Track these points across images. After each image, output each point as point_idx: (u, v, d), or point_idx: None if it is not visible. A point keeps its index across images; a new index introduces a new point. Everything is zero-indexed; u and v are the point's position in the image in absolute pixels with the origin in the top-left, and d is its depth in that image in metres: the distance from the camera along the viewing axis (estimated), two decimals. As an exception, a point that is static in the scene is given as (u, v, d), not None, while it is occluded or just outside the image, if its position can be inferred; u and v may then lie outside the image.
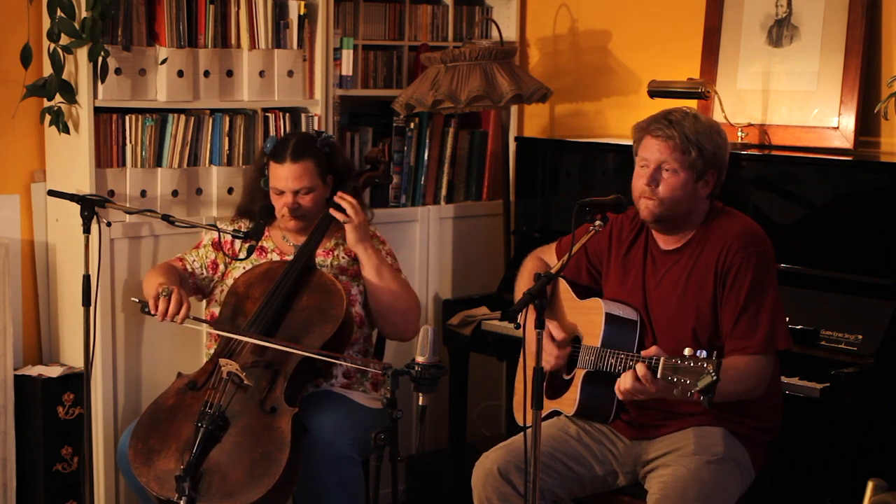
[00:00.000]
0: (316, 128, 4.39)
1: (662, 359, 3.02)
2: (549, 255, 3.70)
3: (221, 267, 3.97)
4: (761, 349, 3.22)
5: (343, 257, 3.93)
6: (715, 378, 2.87)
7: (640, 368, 3.05)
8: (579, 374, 3.39)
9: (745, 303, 3.24)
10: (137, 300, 3.74)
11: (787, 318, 3.60)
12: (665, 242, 3.40)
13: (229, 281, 3.90)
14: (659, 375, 3.01)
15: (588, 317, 3.41)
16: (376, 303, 3.88)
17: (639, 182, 3.32)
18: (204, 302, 4.02)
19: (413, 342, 3.76)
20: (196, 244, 4.03)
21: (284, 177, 3.88)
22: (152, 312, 3.66)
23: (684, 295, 3.32)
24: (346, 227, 3.86)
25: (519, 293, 3.64)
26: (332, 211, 3.87)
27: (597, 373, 3.33)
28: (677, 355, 2.99)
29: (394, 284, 3.87)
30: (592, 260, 3.56)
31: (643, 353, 3.10)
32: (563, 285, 3.54)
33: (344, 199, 3.87)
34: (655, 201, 3.29)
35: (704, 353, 2.93)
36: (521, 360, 3.61)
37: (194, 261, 3.97)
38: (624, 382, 3.10)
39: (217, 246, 3.96)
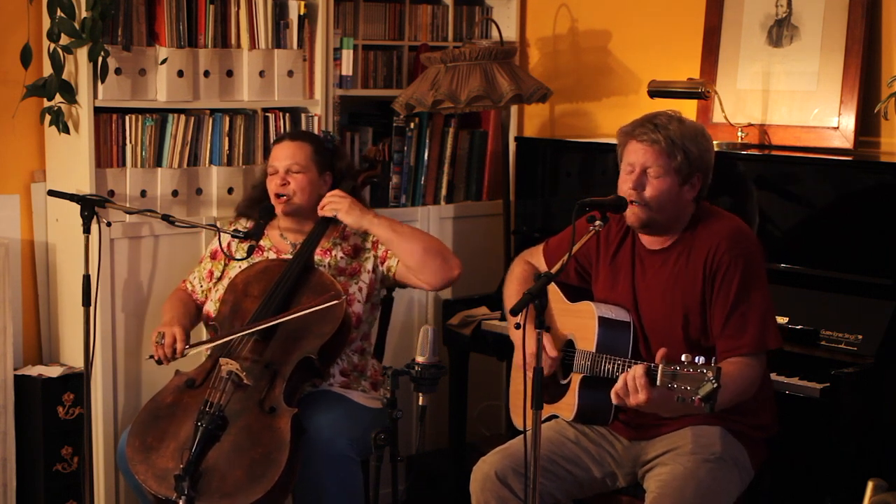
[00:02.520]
0: (316, 127, 4.40)
1: (661, 366, 3.01)
2: (536, 258, 3.69)
3: (216, 273, 3.98)
4: (752, 349, 3.22)
5: (341, 257, 3.93)
6: (716, 385, 2.86)
7: (638, 370, 3.04)
8: (576, 378, 3.38)
9: (735, 303, 3.23)
10: (149, 356, 3.79)
11: (787, 319, 3.61)
12: (651, 243, 3.40)
13: (227, 280, 3.90)
14: (658, 383, 3.00)
15: (580, 320, 3.41)
16: (411, 257, 3.83)
17: (624, 186, 3.31)
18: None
19: (413, 342, 3.77)
20: (200, 259, 4.05)
21: (279, 155, 3.93)
22: (156, 360, 3.75)
23: (673, 296, 3.32)
24: (340, 217, 3.87)
25: (508, 298, 3.64)
26: (321, 212, 3.89)
27: (594, 377, 3.33)
28: (675, 362, 2.98)
29: (416, 232, 3.89)
30: (581, 261, 3.55)
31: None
32: (553, 288, 3.53)
33: (322, 203, 3.90)
34: (642, 206, 3.29)
35: (702, 360, 2.93)
36: (515, 362, 3.60)
37: (195, 277, 4.00)
38: (617, 386, 3.09)
39: (214, 255, 3.98)
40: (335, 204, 3.88)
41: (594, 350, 3.33)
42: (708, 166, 3.34)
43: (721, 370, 2.89)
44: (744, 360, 3.21)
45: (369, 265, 3.92)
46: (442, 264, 3.84)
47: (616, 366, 3.25)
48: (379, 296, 3.98)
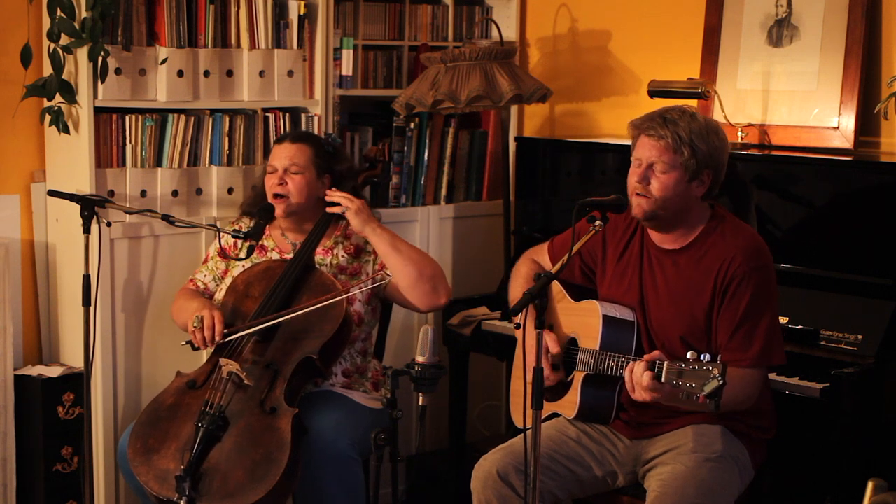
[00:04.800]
0: (316, 128, 4.40)
1: (666, 363, 3.01)
2: (541, 256, 3.69)
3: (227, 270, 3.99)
4: (755, 363, 3.22)
5: (342, 256, 3.93)
6: (721, 382, 2.86)
7: (646, 379, 3.03)
8: (578, 376, 3.38)
9: (743, 318, 3.23)
10: (185, 342, 3.73)
11: (788, 319, 3.61)
12: (662, 241, 3.39)
13: (229, 279, 3.91)
14: (663, 380, 3.00)
15: (584, 319, 3.41)
16: (403, 277, 3.83)
17: (632, 179, 3.32)
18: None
19: (413, 342, 3.76)
20: (203, 260, 4.05)
21: (279, 155, 3.93)
22: (196, 346, 3.69)
23: (680, 300, 3.31)
24: (348, 216, 3.87)
25: (513, 296, 3.64)
26: (328, 209, 3.89)
27: (596, 375, 3.33)
28: (681, 359, 2.98)
29: (413, 253, 3.87)
30: (586, 259, 3.55)
31: (646, 356, 3.09)
32: (557, 287, 3.53)
33: (334, 194, 3.90)
34: (647, 199, 3.29)
35: (707, 357, 2.93)
36: (515, 362, 3.60)
37: (205, 276, 3.99)
38: (631, 370, 3.09)
39: (223, 254, 3.97)
40: (346, 203, 3.88)
41: (598, 348, 3.33)
42: (718, 164, 3.32)
43: (727, 366, 2.89)
44: (745, 371, 3.21)
45: (369, 268, 3.92)
46: (430, 291, 3.84)
47: (620, 363, 3.25)
48: (379, 298, 3.98)
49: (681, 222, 3.34)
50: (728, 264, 3.26)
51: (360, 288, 3.69)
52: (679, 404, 3.12)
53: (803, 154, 3.99)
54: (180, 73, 4.13)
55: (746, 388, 3.20)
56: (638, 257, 3.42)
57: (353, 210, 3.86)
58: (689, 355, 2.96)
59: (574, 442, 3.42)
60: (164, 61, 4.09)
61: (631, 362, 3.11)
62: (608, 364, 3.28)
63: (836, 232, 3.73)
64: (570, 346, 3.45)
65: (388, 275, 3.73)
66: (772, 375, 3.46)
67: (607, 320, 3.35)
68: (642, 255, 3.42)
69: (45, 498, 4.04)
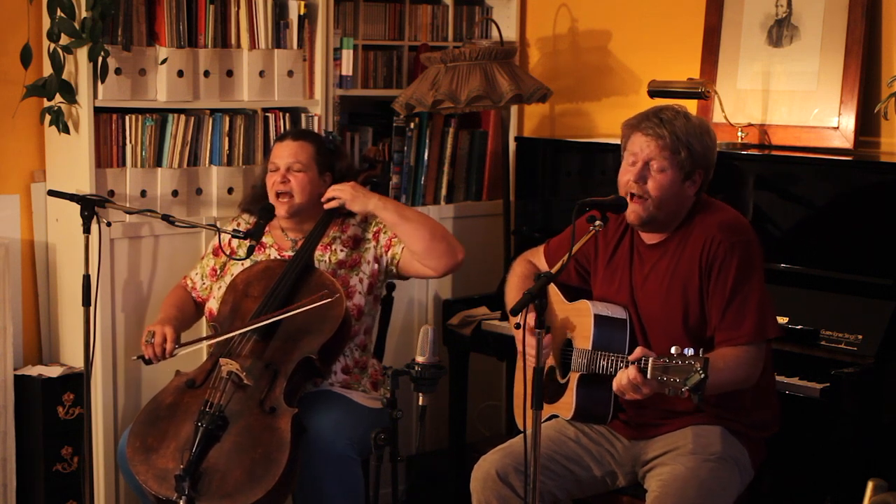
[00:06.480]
0: (316, 127, 4.40)
1: (651, 359, 3.02)
2: (537, 258, 3.69)
3: (219, 269, 3.98)
4: (750, 339, 3.22)
5: (340, 250, 3.93)
6: (703, 376, 2.87)
7: (631, 372, 3.04)
8: (574, 377, 3.39)
9: (732, 294, 3.23)
10: (136, 357, 3.80)
11: (788, 319, 3.61)
12: (649, 237, 3.40)
13: (227, 278, 3.91)
14: (649, 376, 3.01)
15: (577, 319, 3.41)
16: (417, 241, 3.84)
17: (626, 177, 3.31)
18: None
19: (413, 342, 3.76)
20: (202, 256, 4.05)
21: (281, 153, 3.94)
22: (148, 360, 3.75)
23: (671, 289, 3.32)
24: (348, 206, 3.89)
25: (509, 298, 3.64)
26: (326, 205, 3.90)
27: (591, 375, 3.33)
28: (665, 354, 2.99)
29: (421, 216, 3.89)
30: (581, 260, 3.55)
31: (630, 356, 3.09)
32: (553, 288, 3.53)
33: (326, 193, 3.92)
34: (643, 203, 3.29)
35: (691, 352, 2.94)
36: (518, 362, 3.60)
37: (196, 274, 4.01)
38: (620, 380, 3.10)
39: (216, 252, 3.98)
40: (339, 194, 3.89)
41: (590, 348, 3.33)
42: (710, 163, 3.34)
43: (709, 361, 2.90)
44: (743, 348, 3.21)
45: (369, 255, 3.92)
46: (447, 249, 3.86)
47: (610, 362, 3.25)
48: (381, 288, 3.98)
49: (671, 221, 3.35)
50: (710, 243, 3.26)
51: (304, 308, 3.66)
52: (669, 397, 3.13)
53: (803, 154, 3.99)
54: (180, 73, 4.13)
55: (745, 367, 3.19)
56: (627, 256, 3.43)
57: (348, 199, 3.87)
58: (672, 350, 2.97)
59: (573, 442, 3.42)
60: (164, 61, 4.09)
61: (619, 372, 3.11)
62: (600, 363, 3.28)
63: (836, 232, 3.73)
64: (566, 347, 3.45)
65: (333, 294, 3.71)
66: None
67: (599, 319, 3.35)
68: (632, 254, 3.42)
69: (45, 498, 4.04)
